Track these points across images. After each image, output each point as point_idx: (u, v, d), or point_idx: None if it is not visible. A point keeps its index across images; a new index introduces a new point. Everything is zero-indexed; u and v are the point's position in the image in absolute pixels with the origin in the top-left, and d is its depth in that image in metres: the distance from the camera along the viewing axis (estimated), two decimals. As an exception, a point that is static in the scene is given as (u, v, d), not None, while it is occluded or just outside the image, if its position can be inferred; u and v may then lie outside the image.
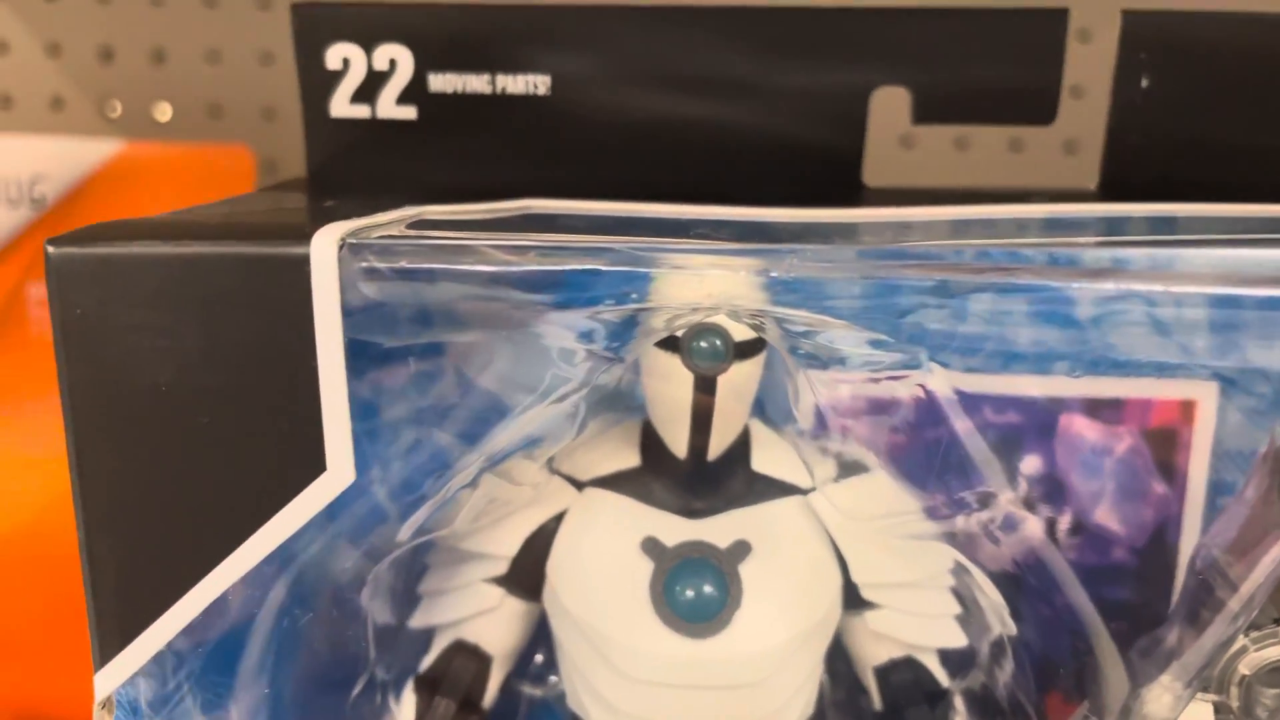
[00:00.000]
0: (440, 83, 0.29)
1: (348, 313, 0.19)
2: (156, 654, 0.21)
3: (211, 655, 0.23)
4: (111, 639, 0.21)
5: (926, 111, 0.29)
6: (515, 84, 0.29)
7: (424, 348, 0.21)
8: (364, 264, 0.19)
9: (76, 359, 0.20)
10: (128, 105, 0.52)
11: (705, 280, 0.20)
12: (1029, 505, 0.27)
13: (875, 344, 0.21)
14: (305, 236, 0.19)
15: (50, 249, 0.19)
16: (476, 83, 0.29)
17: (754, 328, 0.23)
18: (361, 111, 0.29)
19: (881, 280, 0.21)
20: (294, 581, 0.22)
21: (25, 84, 0.51)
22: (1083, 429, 0.29)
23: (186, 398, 0.20)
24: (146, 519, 0.20)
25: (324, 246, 0.19)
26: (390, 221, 0.22)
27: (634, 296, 0.20)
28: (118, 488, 0.20)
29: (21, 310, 0.47)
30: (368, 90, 0.29)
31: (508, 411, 0.22)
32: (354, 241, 0.19)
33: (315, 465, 0.20)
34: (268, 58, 0.50)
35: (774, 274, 0.19)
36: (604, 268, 0.19)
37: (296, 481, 0.20)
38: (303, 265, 0.19)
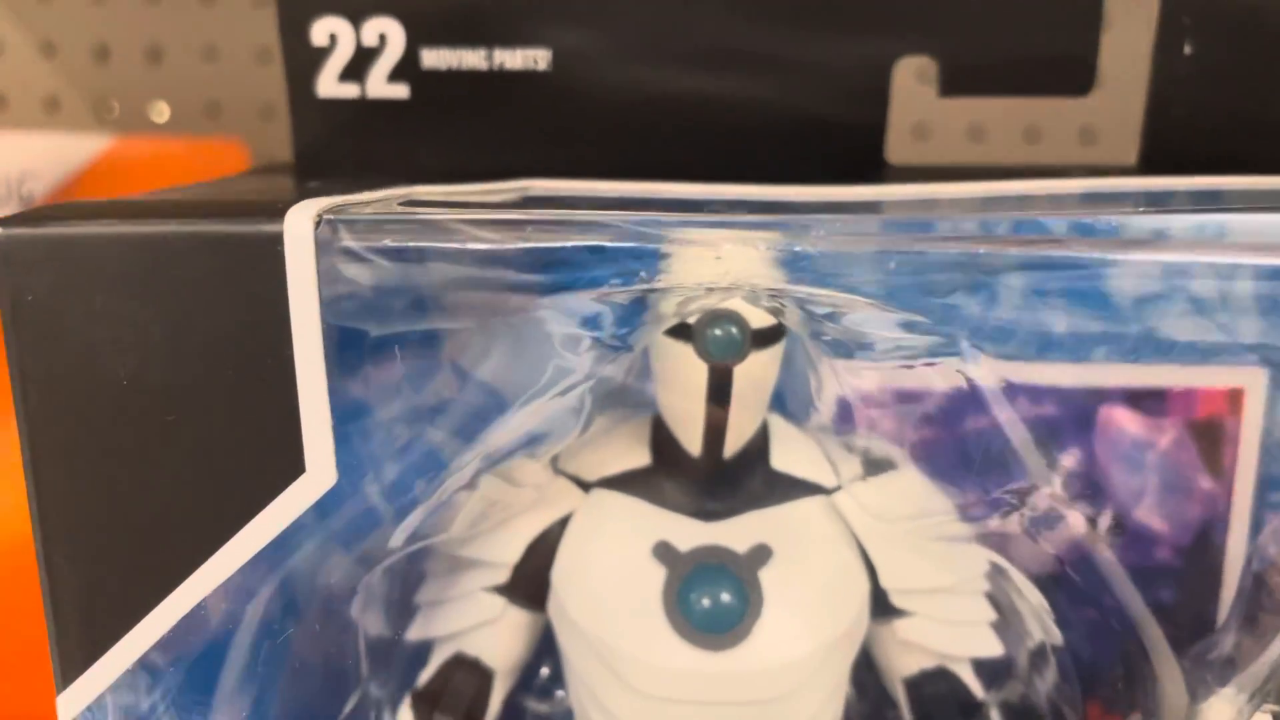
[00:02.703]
0: (433, 59, 0.28)
1: (328, 298, 0.18)
2: (127, 672, 0.19)
3: (190, 672, 0.21)
4: (74, 658, 0.19)
5: (954, 84, 0.27)
6: (514, 59, 0.28)
7: (413, 336, 0.19)
8: (344, 243, 0.18)
9: (29, 351, 0.18)
10: (124, 104, 0.50)
11: (722, 258, 0.18)
12: (1066, 502, 0.25)
13: (907, 326, 0.19)
14: (279, 213, 0.17)
15: (-3, 229, 0.17)
16: (472, 58, 0.28)
17: (773, 311, 0.21)
18: (350, 91, 0.28)
19: (910, 261, 0.19)
20: (278, 592, 0.20)
21: (20, 83, 0.50)
22: (1124, 422, 0.27)
23: (150, 393, 0.18)
24: (110, 526, 0.18)
25: (299, 224, 0.17)
26: (375, 200, 0.20)
27: (642, 275, 0.18)
28: (77, 492, 0.18)
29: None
30: (356, 68, 0.28)
31: (506, 406, 0.20)
32: (332, 218, 0.18)
33: (294, 466, 0.18)
34: (265, 55, 0.49)
35: (798, 248, 0.17)
36: (608, 244, 0.18)
37: (273, 484, 0.18)
38: (276, 245, 0.17)
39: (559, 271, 0.18)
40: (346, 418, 0.18)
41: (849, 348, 0.21)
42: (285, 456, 0.18)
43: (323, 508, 0.19)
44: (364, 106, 0.28)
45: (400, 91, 0.28)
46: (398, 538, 0.21)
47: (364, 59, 0.27)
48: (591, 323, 0.19)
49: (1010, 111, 0.44)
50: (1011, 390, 0.24)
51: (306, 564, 0.20)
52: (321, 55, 0.27)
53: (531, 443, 0.23)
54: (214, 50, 0.50)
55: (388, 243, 0.17)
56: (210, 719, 0.22)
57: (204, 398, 0.18)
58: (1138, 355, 0.24)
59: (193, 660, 0.21)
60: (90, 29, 0.50)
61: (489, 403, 0.20)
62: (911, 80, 0.28)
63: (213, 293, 0.18)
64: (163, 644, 0.19)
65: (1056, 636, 0.23)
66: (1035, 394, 0.25)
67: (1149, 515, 0.27)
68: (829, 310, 0.19)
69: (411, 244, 0.18)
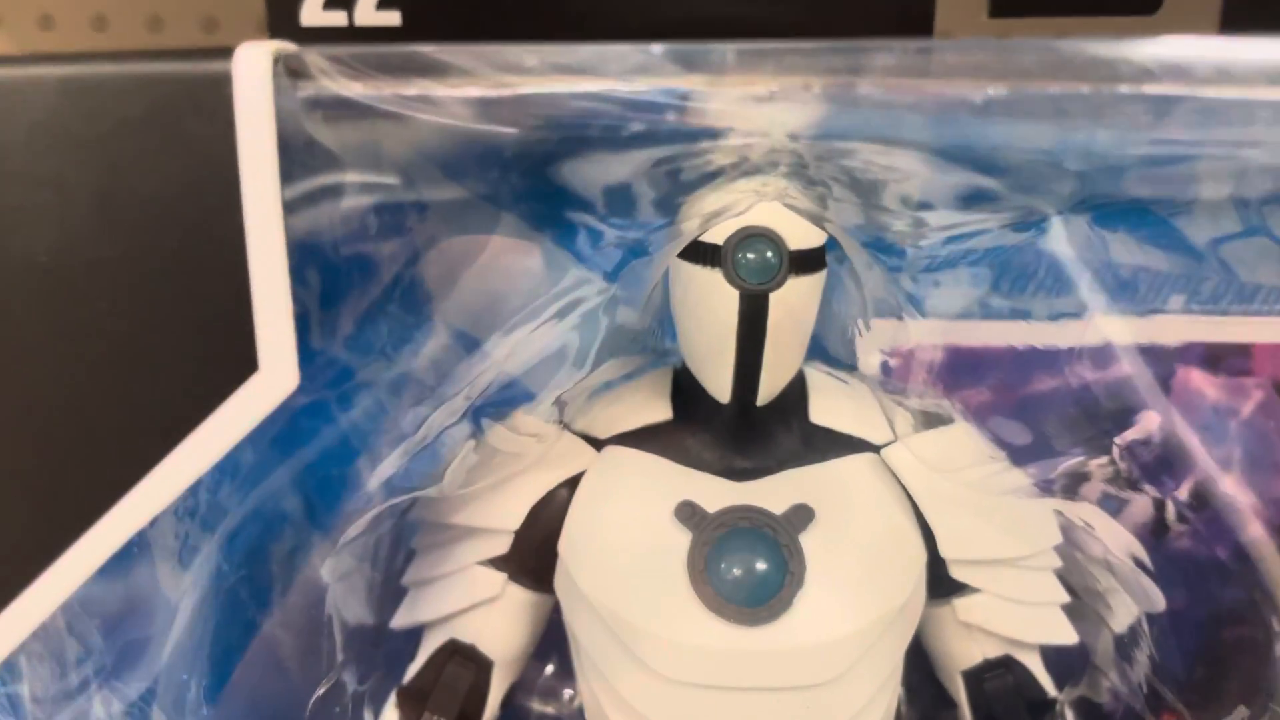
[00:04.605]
0: (428, -21, 0.25)
1: (288, 161, 0.15)
2: (48, 634, 0.16)
3: (127, 650, 0.18)
4: (-22, 604, 0.16)
5: (1006, 2, 0.25)
6: (517, -22, 0.25)
7: (393, 209, 0.16)
8: (307, 93, 0.15)
9: (-71, 222, 0.15)
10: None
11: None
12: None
13: (971, 198, 0.16)
14: (227, 54, 0.15)
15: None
16: (471, -22, 0.25)
17: (817, 203, 0.18)
18: (337, 19, 0.25)
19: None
20: (228, 543, 0.17)
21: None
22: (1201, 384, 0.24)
23: (74, 271, 0.15)
24: (22, 437, 0.15)
25: (253, 61, 0.14)
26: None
27: (671, 118, 0.15)
28: (-17, 394, 0.15)
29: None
30: (343, -8, 0.25)
31: (501, 321, 0.17)
32: (293, 53, 0.15)
33: (245, 363, 0.15)
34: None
35: (861, 90, 0.14)
36: (623, 88, 0.15)
37: (221, 385, 0.15)
38: (224, 88, 0.14)
39: (566, 128, 0.15)
40: (312, 308, 0.15)
41: (901, 250, 0.18)
42: (235, 350, 0.15)
43: (280, 431, 0.16)
44: (351, 36, 0.25)
45: (391, 18, 0.25)
46: (373, 483, 0.18)
47: (351, -18, 0.25)
48: (608, 202, 0.16)
49: (1067, 33, 0.42)
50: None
51: (268, 501, 0.17)
52: (305, -22, 0.25)
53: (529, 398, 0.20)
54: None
55: (360, 90, 0.15)
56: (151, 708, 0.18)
57: (138, 278, 0.15)
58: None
59: (131, 635, 0.17)
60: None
61: (485, 310, 0.17)
62: (958, -1, 0.26)
63: (150, 149, 0.15)
64: (98, 608, 0.16)
65: (1160, 605, 0.20)
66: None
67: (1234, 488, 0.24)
68: (879, 177, 0.16)
69: (390, 91, 0.15)
